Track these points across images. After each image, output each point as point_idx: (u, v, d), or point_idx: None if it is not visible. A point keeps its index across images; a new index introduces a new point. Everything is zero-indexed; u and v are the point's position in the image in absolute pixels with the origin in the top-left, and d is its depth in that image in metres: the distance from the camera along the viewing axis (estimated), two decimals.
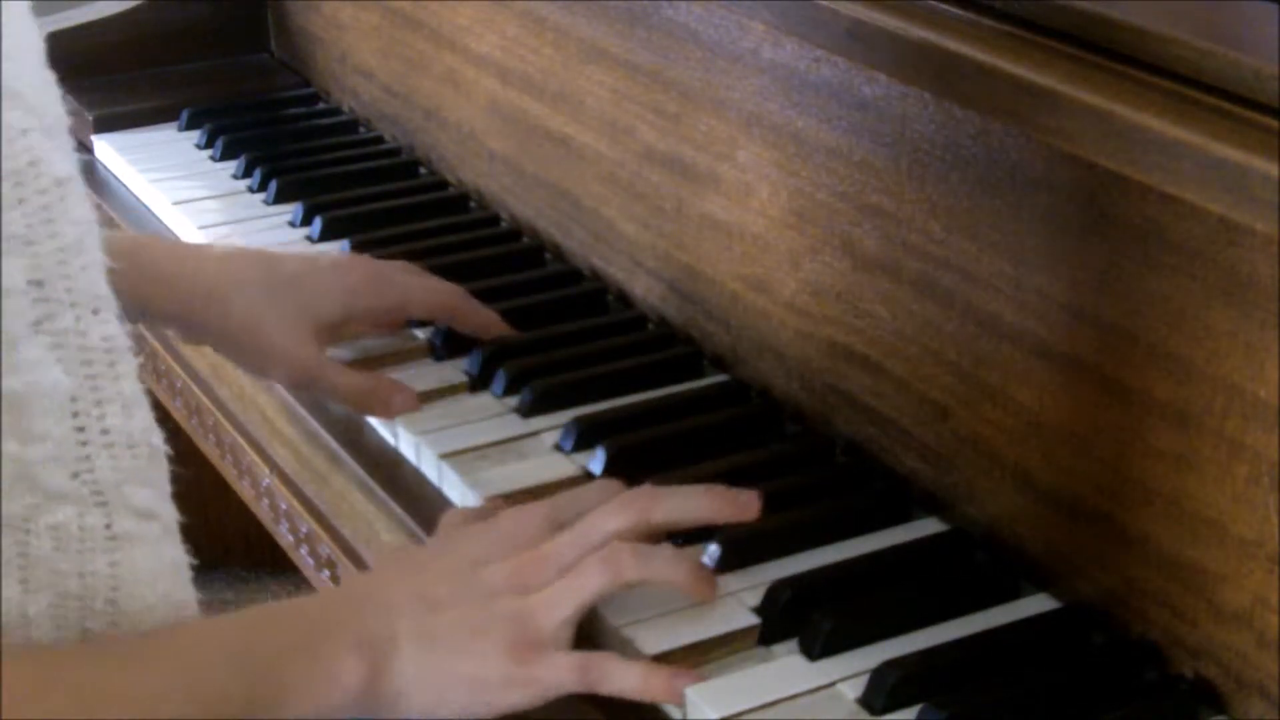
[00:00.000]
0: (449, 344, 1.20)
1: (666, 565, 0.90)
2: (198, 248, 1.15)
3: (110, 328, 0.76)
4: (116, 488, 0.77)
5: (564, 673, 0.85)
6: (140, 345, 1.46)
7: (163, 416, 1.48)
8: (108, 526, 0.77)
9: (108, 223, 1.50)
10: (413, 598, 0.86)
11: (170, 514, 0.81)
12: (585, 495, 0.95)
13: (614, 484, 0.96)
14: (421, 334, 1.23)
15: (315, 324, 1.14)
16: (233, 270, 1.14)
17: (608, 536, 0.89)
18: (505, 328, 1.21)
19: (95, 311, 0.75)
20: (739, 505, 0.94)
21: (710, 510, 0.94)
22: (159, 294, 1.12)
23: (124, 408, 0.77)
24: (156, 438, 0.80)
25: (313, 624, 0.85)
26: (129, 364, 0.78)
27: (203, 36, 1.76)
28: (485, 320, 1.21)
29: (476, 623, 0.86)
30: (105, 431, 0.76)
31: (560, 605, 0.87)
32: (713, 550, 0.95)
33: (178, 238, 1.43)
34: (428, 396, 1.14)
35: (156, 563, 0.79)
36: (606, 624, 0.90)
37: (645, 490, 0.95)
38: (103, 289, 0.76)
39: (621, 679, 0.86)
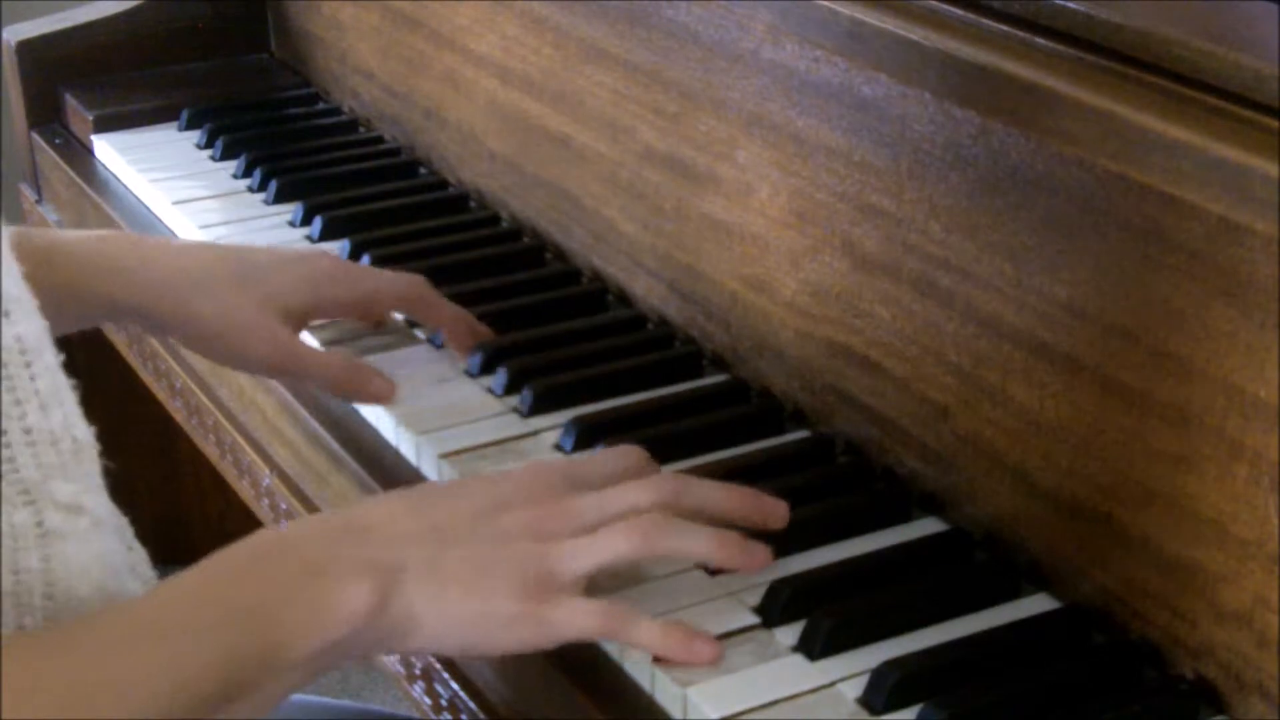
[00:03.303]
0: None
1: (701, 540, 0.89)
2: (162, 241, 1.13)
3: (21, 327, 0.76)
4: (42, 484, 0.76)
5: (580, 617, 0.84)
6: (141, 346, 1.47)
7: (163, 415, 1.49)
8: (39, 524, 0.76)
9: (108, 223, 1.50)
10: (424, 530, 0.85)
11: (100, 506, 0.80)
12: (604, 460, 0.93)
13: (634, 450, 0.95)
14: (421, 331, 1.23)
15: (284, 311, 1.13)
16: (196, 262, 1.13)
17: (631, 508, 0.88)
18: (470, 324, 1.20)
19: (7, 314, 0.75)
20: (766, 511, 0.94)
21: (738, 508, 0.93)
22: (122, 286, 1.11)
23: (41, 406, 0.77)
24: (80, 431, 0.79)
25: (312, 556, 0.83)
26: (45, 361, 0.77)
27: (203, 36, 1.76)
28: (448, 314, 1.20)
29: (490, 560, 0.84)
30: (27, 431, 0.76)
31: (580, 558, 0.85)
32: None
33: (177, 237, 1.43)
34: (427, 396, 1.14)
35: (87, 556, 0.78)
36: None
37: (676, 475, 0.94)
38: (13, 291, 0.76)
39: (642, 632, 0.86)
